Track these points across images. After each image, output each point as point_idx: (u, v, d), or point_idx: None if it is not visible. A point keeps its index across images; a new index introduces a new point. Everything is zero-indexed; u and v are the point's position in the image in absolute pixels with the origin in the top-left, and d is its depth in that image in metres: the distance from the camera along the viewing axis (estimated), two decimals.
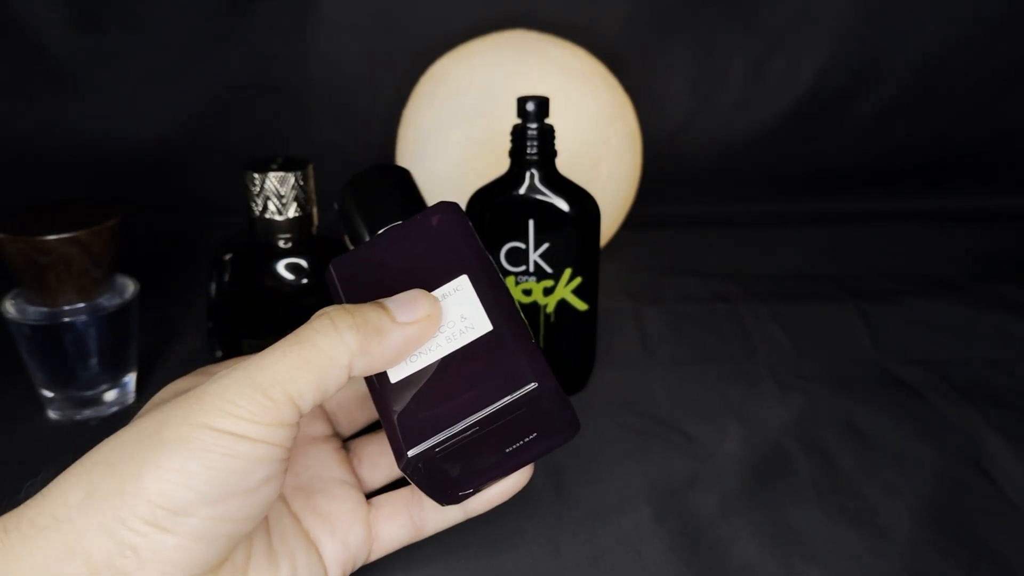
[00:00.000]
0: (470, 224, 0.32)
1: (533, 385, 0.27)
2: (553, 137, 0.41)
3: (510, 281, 0.43)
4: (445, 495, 0.30)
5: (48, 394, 0.43)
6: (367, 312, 0.27)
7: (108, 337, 0.42)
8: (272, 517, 0.29)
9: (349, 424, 0.35)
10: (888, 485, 0.38)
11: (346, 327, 0.26)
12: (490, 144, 0.52)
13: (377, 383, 0.29)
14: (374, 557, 0.32)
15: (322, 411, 0.34)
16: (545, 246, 0.42)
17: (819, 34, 0.73)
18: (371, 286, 0.30)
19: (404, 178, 0.36)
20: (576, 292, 0.43)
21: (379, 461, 0.34)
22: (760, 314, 0.54)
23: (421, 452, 0.27)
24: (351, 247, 0.34)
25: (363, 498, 0.32)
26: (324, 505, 0.31)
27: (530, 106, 0.40)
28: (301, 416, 0.26)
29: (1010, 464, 0.39)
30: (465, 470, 0.29)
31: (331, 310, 0.27)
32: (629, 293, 0.58)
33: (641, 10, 0.71)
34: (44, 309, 0.41)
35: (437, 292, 0.30)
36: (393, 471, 0.34)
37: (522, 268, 0.43)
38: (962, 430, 0.42)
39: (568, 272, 0.42)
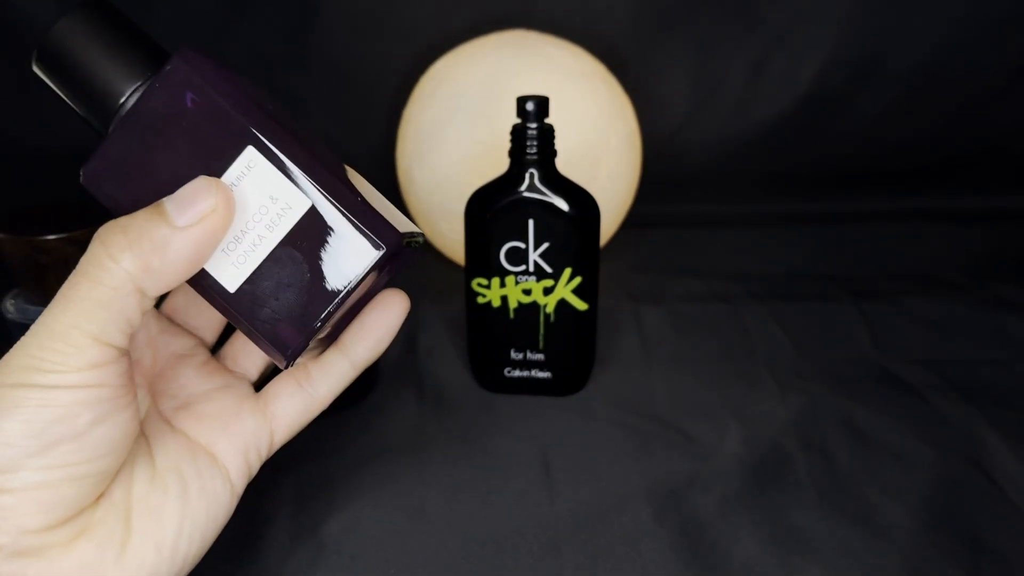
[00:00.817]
0: (231, 73, 0.26)
1: (381, 251, 0.26)
2: (553, 137, 0.41)
3: (510, 281, 0.43)
4: (318, 352, 0.30)
5: None
6: (141, 225, 0.24)
7: None
8: (155, 443, 0.29)
9: (209, 327, 0.34)
10: (888, 485, 0.38)
11: (120, 250, 0.24)
12: (490, 144, 0.52)
13: (215, 295, 0.27)
14: (280, 439, 0.31)
15: (174, 325, 0.34)
16: (545, 246, 0.42)
17: (819, 34, 0.73)
18: (141, 187, 0.26)
19: (115, 20, 0.27)
20: (576, 292, 0.43)
21: (248, 349, 0.34)
22: (760, 314, 0.54)
23: (297, 348, 0.27)
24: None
25: (248, 389, 0.32)
26: (206, 409, 0.31)
27: (530, 106, 0.40)
28: (121, 349, 0.25)
29: (1010, 464, 0.39)
30: (331, 328, 0.28)
31: (104, 232, 0.25)
32: (629, 293, 0.58)
33: (641, 10, 0.71)
34: (44, 309, 0.41)
35: (226, 176, 0.26)
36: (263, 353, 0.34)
37: (522, 268, 0.43)
38: (962, 430, 0.42)
39: (568, 272, 0.42)
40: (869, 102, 0.75)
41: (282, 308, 0.26)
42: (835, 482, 0.38)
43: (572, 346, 0.44)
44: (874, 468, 0.39)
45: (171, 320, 0.34)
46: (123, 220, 0.25)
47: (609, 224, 0.59)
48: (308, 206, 0.26)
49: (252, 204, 0.26)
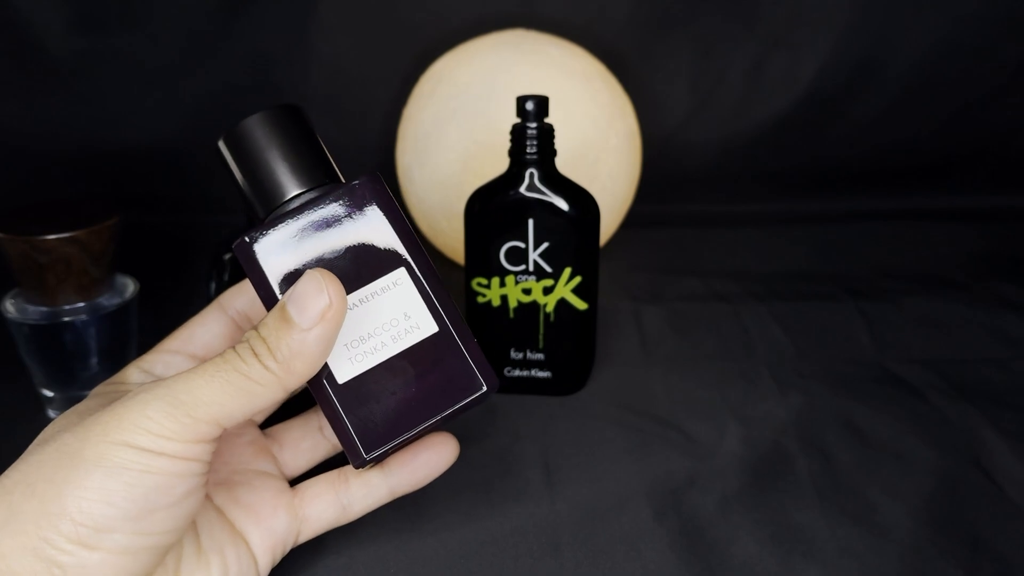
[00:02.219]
0: (397, 204, 0.30)
1: (483, 390, 0.29)
2: (552, 136, 0.41)
3: (510, 280, 0.43)
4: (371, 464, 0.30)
5: (48, 394, 0.43)
6: (277, 336, 0.27)
7: (108, 337, 0.42)
8: (200, 519, 0.29)
9: (264, 410, 0.35)
10: (888, 485, 0.38)
11: (266, 358, 0.26)
12: (490, 144, 0.52)
13: (321, 379, 0.28)
14: (303, 539, 0.32)
15: None
16: (545, 245, 0.42)
17: (819, 34, 0.73)
18: (293, 273, 0.28)
19: (307, 128, 0.30)
20: (576, 291, 0.43)
21: (300, 446, 0.34)
22: (760, 314, 0.54)
23: (379, 453, 0.28)
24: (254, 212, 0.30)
25: (285, 484, 0.33)
26: (246, 496, 0.31)
27: (529, 105, 0.40)
28: (223, 430, 0.26)
29: (1010, 464, 0.39)
30: (397, 447, 0.29)
31: (253, 342, 0.27)
32: (629, 293, 0.58)
33: (641, 10, 0.71)
34: (44, 309, 0.41)
35: (374, 286, 0.29)
36: (315, 456, 0.35)
37: (521, 267, 0.43)
38: (962, 429, 0.42)
39: (568, 271, 0.42)
40: (869, 102, 0.75)
41: (379, 412, 0.28)
42: (835, 482, 0.38)
43: (572, 346, 0.44)
44: (874, 468, 0.39)
45: None
46: (262, 330, 0.27)
47: (609, 224, 0.59)
48: (434, 331, 0.29)
49: (386, 314, 0.28)
